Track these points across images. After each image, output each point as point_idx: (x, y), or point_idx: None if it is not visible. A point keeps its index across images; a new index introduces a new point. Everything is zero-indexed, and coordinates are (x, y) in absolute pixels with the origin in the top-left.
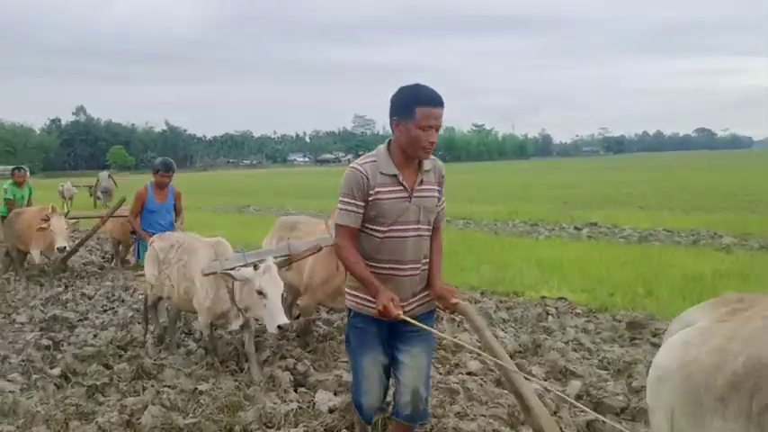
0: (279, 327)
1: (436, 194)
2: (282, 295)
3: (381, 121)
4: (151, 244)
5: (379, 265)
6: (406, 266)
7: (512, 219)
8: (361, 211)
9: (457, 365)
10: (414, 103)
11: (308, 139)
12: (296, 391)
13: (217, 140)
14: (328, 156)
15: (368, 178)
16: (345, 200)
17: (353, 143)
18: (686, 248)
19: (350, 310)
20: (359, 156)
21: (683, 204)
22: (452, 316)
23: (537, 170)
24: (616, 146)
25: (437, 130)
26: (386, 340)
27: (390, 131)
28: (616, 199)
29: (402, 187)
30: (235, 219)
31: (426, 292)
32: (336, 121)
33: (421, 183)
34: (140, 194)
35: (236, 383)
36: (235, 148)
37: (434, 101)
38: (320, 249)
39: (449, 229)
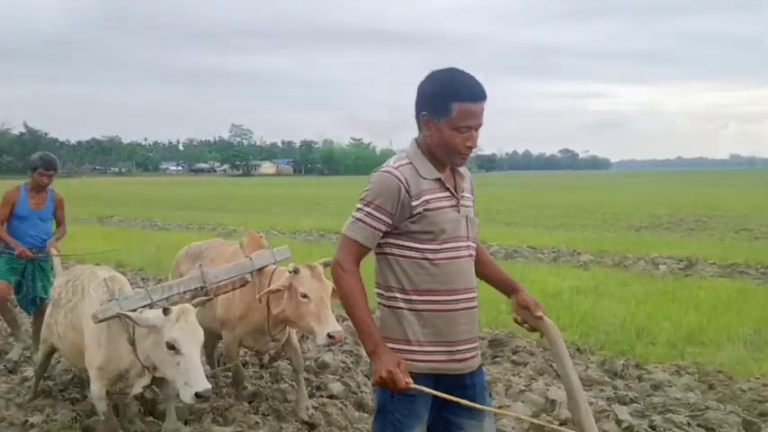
0: (197, 395)
1: (472, 205)
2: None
3: (259, 132)
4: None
5: (428, 298)
6: (461, 296)
7: None
8: (384, 228)
9: (318, 388)
10: (451, 96)
11: (181, 147)
12: None
13: (82, 146)
14: (203, 165)
15: (407, 186)
16: (366, 208)
17: (230, 153)
18: (548, 265)
19: None
20: (236, 166)
21: (546, 222)
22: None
23: None
24: (488, 164)
25: (477, 129)
26: (434, 408)
27: (417, 128)
28: (485, 215)
29: (449, 193)
30: (93, 230)
31: (476, 340)
32: (212, 129)
33: (462, 189)
34: (9, 196)
35: (74, 414)
36: (102, 155)
37: (477, 94)
38: (245, 284)
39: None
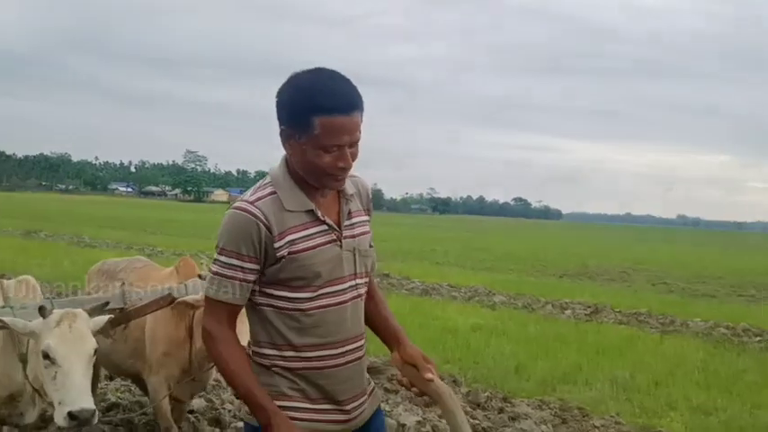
0: (70, 414)
1: (367, 228)
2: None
3: (214, 159)
4: None
5: (305, 355)
6: (346, 348)
7: None
8: (252, 277)
9: None
10: (312, 109)
11: (133, 169)
12: None
13: (29, 160)
14: (154, 188)
15: (267, 223)
16: (221, 258)
17: (183, 178)
18: (460, 303)
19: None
20: (187, 192)
21: (476, 264)
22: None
23: None
24: (442, 206)
25: (352, 146)
26: None
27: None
28: (419, 254)
29: (326, 226)
30: (13, 242)
31: (367, 392)
32: (166, 153)
33: (349, 215)
34: None
35: None
36: (50, 171)
37: (345, 105)
38: (172, 302)
39: None
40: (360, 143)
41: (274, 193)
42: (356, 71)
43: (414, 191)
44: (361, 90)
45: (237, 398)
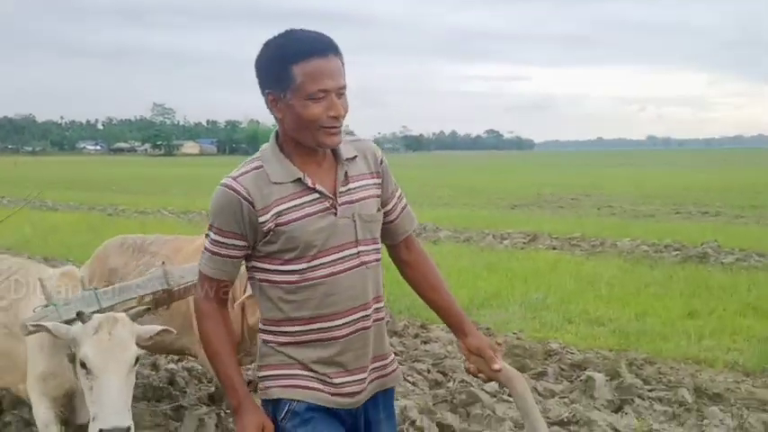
0: None
1: (375, 192)
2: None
3: (182, 111)
4: None
5: (303, 328)
6: (349, 317)
7: None
8: (240, 253)
9: None
10: (289, 59)
11: (100, 126)
12: None
13: None
14: (123, 145)
15: (250, 198)
16: (210, 234)
17: (151, 132)
18: None
19: (275, 403)
20: (157, 147)
21: (435, 201)
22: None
23: None
24: (415, 144)
25: (339, 94)
26: None
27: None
28: None
29: (317, 194)
30: None
31: (387, 357)
32: (133, 108)
33: (346, 179)
34: None
35: None
36: (15, 133)
37: (320, 47)
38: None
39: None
40: (347, 94)
41: (260, 167)
42: (320, 7)
43: (386, 130)
44: (326, 26)
45: (216, 378)
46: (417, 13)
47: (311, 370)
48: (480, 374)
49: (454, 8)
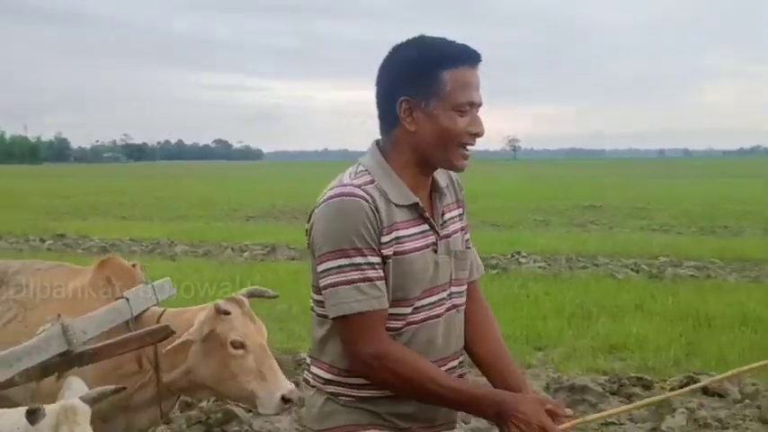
0: None
1: (461, 224)
2: None
3: None
4: None
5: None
6: (443, 369)
7: None
8: (379, 273)
9: None
10: (438, 63)
11: None
12: None
13: None
14: None
15: (378, 211)
16: (343, 260)
17: None
18: (140, 257)
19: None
20: None
21: (167, 214)
22: None
23: (38, 176)
24: (138, 153)
25: (478, 110)
26: None
27: (383, 129)
28: (104, 209)
29: (427, 226)
30: None
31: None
32: None
33: (442, 212)
34: None
35: None
36: None
37: (471, 56)
38: (168, 335)
39: None
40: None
41: (374, 182)
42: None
43: (105, 138)
44: (29, 24)
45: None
46: (136, 15)
47: (396, 427)
48: None
49: (176, 14)
